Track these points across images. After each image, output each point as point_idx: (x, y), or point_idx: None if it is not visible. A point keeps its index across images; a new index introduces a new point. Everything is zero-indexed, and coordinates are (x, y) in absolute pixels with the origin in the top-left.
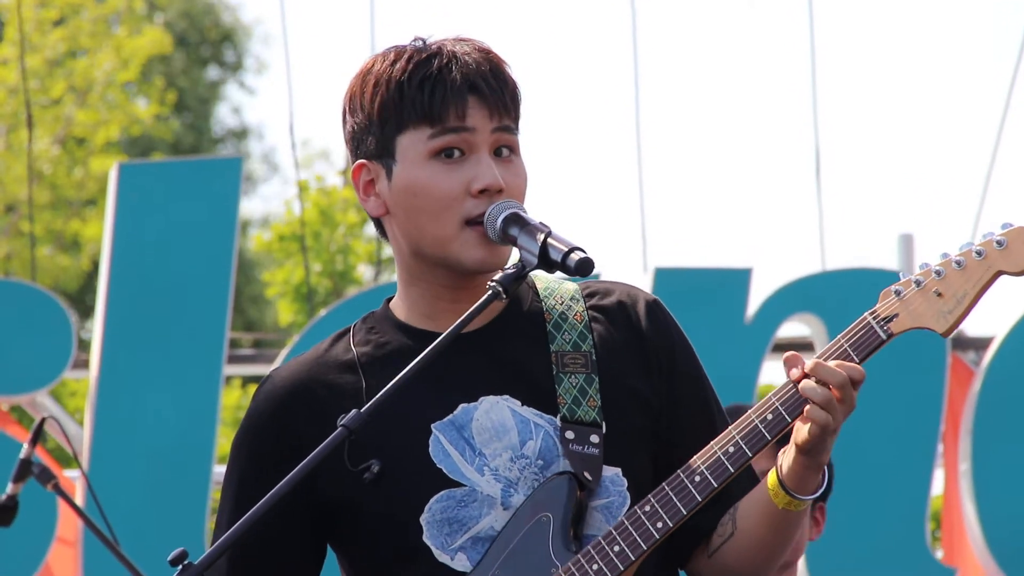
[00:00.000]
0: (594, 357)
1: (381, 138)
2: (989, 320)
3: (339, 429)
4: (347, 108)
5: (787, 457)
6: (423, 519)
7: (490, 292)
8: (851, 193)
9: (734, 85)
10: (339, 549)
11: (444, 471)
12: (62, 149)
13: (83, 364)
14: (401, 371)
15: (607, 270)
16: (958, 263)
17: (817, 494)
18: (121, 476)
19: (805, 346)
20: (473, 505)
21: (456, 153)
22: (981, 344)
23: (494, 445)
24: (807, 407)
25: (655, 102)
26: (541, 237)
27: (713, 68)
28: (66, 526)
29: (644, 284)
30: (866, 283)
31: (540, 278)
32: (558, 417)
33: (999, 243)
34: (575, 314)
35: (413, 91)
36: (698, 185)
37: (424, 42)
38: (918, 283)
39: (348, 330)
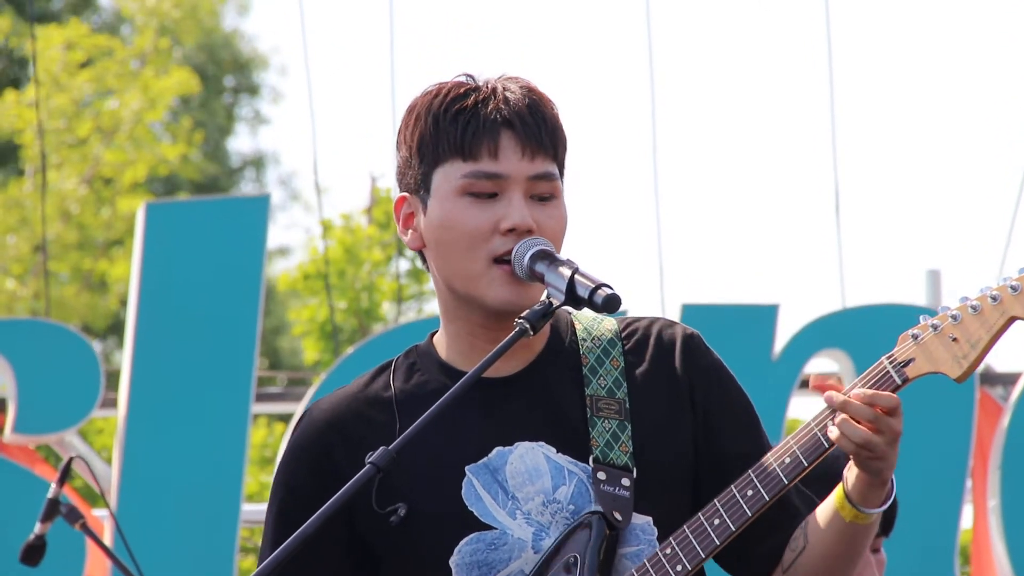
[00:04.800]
0: (628, 405)
1: (420, 172)
2: (1017, 356)
3: (367, 466)
4: (397, 142)
5: (851, 473)
6: (452, 561)
7: (517, 329)
8: (874, 229)
9: (753, 123)
10: None
11: (475, 514)
12: (89, 189)
13: (110, 403)
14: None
15: (630, 307)
16: (974, 308)
17: (884, 507)
18: (149, 515)
19: None
20: (503, 548)
21: (487, 194)
22: (1009, 379)
23: (527, 489)
24: (843, 442)
25: (674, 143)
26: (568, 273)
27: (732, 107)
28: (95, 566)
29: None
30: (893, 318)
31: (579, 318)
32: (590, 459)
33: (1013, 288)
34: (612, 359)
35: (447, 124)
36: (717, 222)
37: (472, 78)
38: (935, 327)
39: (390, 364)
